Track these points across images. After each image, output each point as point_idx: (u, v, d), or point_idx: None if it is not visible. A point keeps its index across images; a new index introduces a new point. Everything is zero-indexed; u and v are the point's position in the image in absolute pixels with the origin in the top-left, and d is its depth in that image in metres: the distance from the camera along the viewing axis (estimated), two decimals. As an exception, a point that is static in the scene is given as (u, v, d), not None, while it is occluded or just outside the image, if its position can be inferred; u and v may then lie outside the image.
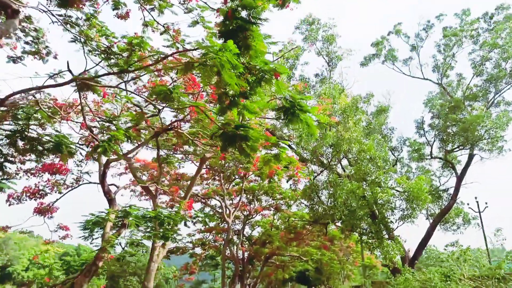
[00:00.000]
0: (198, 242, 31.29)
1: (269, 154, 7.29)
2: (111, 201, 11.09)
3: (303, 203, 33.14)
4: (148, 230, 9.73)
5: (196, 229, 33.17)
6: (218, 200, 27.42)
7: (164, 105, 7.83)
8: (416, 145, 23.34)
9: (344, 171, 19.18)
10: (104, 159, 11.39)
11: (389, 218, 16.81)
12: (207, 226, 33.41)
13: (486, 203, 30.41)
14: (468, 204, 25.55)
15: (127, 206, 9.58)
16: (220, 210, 29.16)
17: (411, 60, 25.44)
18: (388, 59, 25.08)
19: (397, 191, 16.37)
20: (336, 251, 35.42)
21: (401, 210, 16.24)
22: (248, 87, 6.61)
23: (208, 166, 28.26)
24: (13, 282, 72.94)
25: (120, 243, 9.58)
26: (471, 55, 23.20)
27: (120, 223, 9.82)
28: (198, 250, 32.89)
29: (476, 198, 32.22)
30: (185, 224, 11.70)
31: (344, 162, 21.25)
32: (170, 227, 9.95)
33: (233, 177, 31.23)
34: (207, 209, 34.14)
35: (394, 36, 25.96)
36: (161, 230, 9.69)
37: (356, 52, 23.25)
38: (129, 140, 9.72)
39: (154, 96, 8.15)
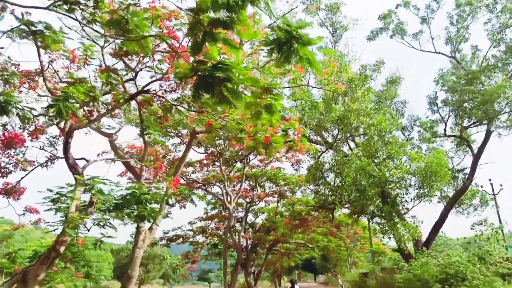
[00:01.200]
0: (199, 230, 29.73)
1: (259, 103, 5.60)
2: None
3: (308, 189, 31.51)
4: (121, 208, 8.06)
5: (198, 217, 31.68)
6: (219, 186, 25.75)
7: (122, 38, 6.09)
8: (427, 124, 21.40)
9: (351, 150, 17.30)
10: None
11: (403, 197, 15.01)
12: (208, 214, 31.93)
13: (501, 185, 28.38)
14: (481, 186, 23.64)
15: (89, 179, 7.90)
16: (222, 198, 27.50)
17: (421, 34, 23.38)
18: (396, 33, 23.02)
19: (412, 167, 14.45)
20: (343, 237, 33.72)
21: (416, 188, 14.36)
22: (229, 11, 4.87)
23: (207, 151, 26.61)
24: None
25: (85, 225, 7.94)
26: (487, 25, 21.12)
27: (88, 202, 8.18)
28: (200, 239, 31.37)
29: (490, 180, 30.20)
30: (167, 203, 10.01)
31: (351, 145, 19.45)
32: (148, 205, 8.27)
33: (234, 162, 29.57)
34: (208, 197, 32.61)
35: (403, 8, 23.89)
36: (136, 208, 8.02)
37: (362, 22, 21.14)
38: (96, 103, 8.02)
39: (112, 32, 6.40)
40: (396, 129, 16.23)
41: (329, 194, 16.81)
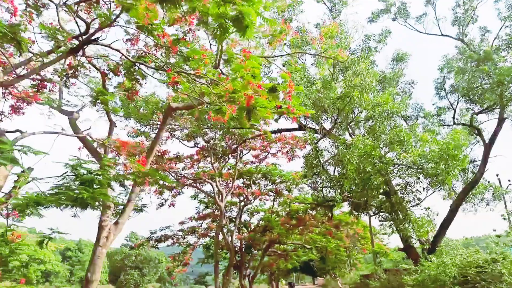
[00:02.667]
0: (189, 230, 27.53)
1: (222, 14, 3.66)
2: None
3: (305, 188, 29.42)
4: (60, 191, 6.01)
5: (189, 217, 29.52)
6: (209, 183, 23.63)
7: None
8: (430, 114, 19.36)
9: (352, 136, 15.11)
10: None
11: (413, 186, 12.85)
12: (200, 214, 29.79)
13: (509, 181, 26.25)
14: (488, 181, 21.58)
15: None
16: (214, 196, 25.32)
17: (425, 16, 21.38)
18: (399, 15, 21.07)
19: (426, 149, 12.29)
20: (343, 238, 31.57)
21: (429, 176, 12.21)
22: None
23: (197, 145, 24.52)
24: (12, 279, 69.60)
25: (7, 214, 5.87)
26: (497, 3, 19.20)
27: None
28: (192, 239, 29.20)
29: (497, 175, 28.26)
30: (122, 185, 7.96)
31: (355, 132, 17.32)
32: (95, 188, 6.20)
33: (226, 158, 27.48)
34: (201, 196, 30.46)
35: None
36: (78, 192, 5.94)
37: (363, 2, 19.04)
38: (21, 50, 5.97)
39: None
40: (404, 111, 14.20)
41: (329, 185, 14.72)
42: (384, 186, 12.56)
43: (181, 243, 26.82)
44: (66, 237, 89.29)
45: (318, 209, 25.00)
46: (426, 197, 12.75)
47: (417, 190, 12.32)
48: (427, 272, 11.44)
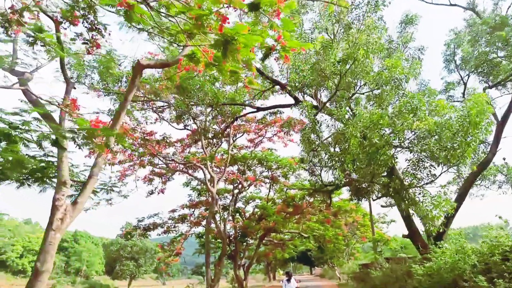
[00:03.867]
0: (180, 218, 25.79)
1: None
2: None
3: (302, 175, 27.71)
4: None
5: (181, 205, 27.81)
6: (200, 167, 21.87)
7: None
8: (435, 94, 17.51)
9: (354, 111, 13.20)
10: None
11: (427, 162, 10.97)
12: (193, 201, 28.08)
13: (519, 164, 24.55)
14: (494, 163, 19.82)
15: None
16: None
17: (432, -15, 19.51)
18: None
19: (445, 117, 10.41)
20: (341, 226, 30.00)
21: (444, 150, 10.33)
22: None
23: (187, 127, 22.69)
24: (8, 270, 68.17)
25: None
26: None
27: None
28: (183, 228, 27.49)
29: (504, 159, 26.50)
30: (56, 144, 6.22)
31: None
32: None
33: (219, 142, 25.71)
34: (194, 183, 28.72)
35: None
36: None
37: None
38: None
39: None
40: (415, 78, 12.34)
41: (329, 164, 12.93)
42: (393, 160, 10.76)
43: (172, 231, 25.10)
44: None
45: (316, 195, 23.31)
46: (441, 173, 10.95)
47: (431, 165, 10.53)
48: (442, 260, 9.77)
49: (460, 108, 10.16)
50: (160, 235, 26.66)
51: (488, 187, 16.51)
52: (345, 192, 32.25)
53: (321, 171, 18.31)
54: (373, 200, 17.80)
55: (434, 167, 10.52)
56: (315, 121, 11.87)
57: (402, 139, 10.00)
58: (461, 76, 16.62)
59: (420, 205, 9.94)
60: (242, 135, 24.73)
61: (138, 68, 8.64)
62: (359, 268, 28.23)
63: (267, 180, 29.33)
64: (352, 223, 30.86)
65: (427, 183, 10.00)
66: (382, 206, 21.38)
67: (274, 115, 23.30)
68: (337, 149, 12.29)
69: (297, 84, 12.35)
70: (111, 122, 8.77)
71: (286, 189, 28.52)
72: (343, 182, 18.82)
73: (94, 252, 77.64)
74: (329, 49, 11.09)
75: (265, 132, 25.87)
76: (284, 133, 23.48)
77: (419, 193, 10.44)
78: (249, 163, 27.33)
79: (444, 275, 10.05)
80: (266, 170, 28.79)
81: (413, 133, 9.97)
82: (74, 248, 77.46)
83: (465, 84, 16.56)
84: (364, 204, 30.56)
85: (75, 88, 8.91)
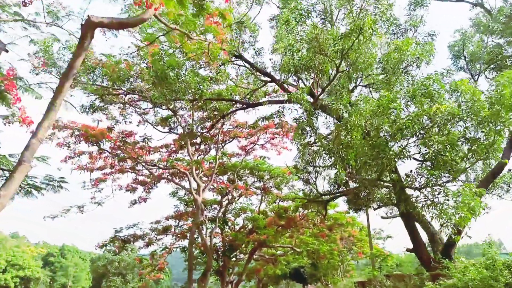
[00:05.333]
0: (162, 229, 23.43)
1: None
2: None
3: (295, 186, 25.68)
4: None
5: (166, 216, 25.51)
6: (184, 172, 19.77)
7: None
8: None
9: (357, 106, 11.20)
10: None
11: (447, 156, 8.80)
12: (179, 212, 25.77)
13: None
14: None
15: None
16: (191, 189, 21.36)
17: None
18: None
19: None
20: (336, 240, 27.74)
21: (467, 141, 8.37)
22: None
23: (172, 131, 20.67)
24: (-10, 285, 64.33)
25: None
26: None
27: None
28: (168, 241, 25.14)
29: (510, 170, 24.61)
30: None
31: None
32: None
33: (207, 147, 23.72)
34: (181, 193, 26.48)
35: None
36: None
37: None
38: None
39: None
40: (426, 63, 10.51)
41: (328, 161, 10.95)
42: (405, 150, 8.70)
43: (154, 243, 22.72)
44: (49, 242, 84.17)
45: (311, 206, 21.19)
46: (465, 168, 8.93)
47: (453, 160, 8.52)
48: (467, 276, 7.73)
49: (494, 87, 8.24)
50: (141, 248, 24.29)
51: (500, 197, 14.55)
52: (341, 204, 30.17)
53: (316, 178, 16.35)
54: (374, 209, 15.80)
55: (456, 162, 8.60)
56: (311, 111, 9.98)
57: (418, 127, 8.10)
58: (471, 74, 14.86)
59: (441, 207, 7.97)
60: (232, 140, 22.78)
61: (88, 26, 6.71)
62: (355, 286, 25.92)
63: (259, 192, 27.24)
64: (348, 238, 28.65)
65: (448, 181, 8.07)
66: (382, 217, 19.27)
67: (267, 120, 21.48)
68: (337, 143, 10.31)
69: (291, 68, 10.51)
70: (54, 94, 6.81)
71: (279, 201, 26.43)
72: (340, 190, 16.80)
73: (81, 267, 74.02)
74: (329, 22, 9.32)
75: (257, 138, 23.97)
76: (279, 134, 21.57)
77: (438, 193, 8.48)
78: (239, 172, 25.30)
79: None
80: (257, 180, 26.76)
81: (429, 120, 8.11)
82: (61, 262, 73.84)
83: (475, 80, 14.80)
84: (360, 218, 28.47)
85: (6, 51, 6.97)
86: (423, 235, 14.68)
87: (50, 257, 73.86)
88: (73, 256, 75.47)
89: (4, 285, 65.51)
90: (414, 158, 10.91)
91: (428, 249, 14.43)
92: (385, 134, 8.09)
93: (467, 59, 14.76)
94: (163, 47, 11.17)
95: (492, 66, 13.69)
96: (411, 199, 9.34)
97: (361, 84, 11.62)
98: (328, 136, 11.53)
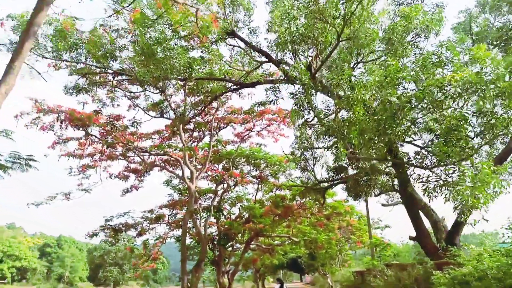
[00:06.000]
0: (155, 218, 22.57)
1: None
2: None
3: (293, 175, 24.86)
4: None
5: (160, 205, 24.67)
6: (176, 158, 18.86)
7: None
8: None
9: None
10: None
11: (461, 131, 7.78)
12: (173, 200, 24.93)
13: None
14: None
15: None
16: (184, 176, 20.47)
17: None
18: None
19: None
20: (334, 229, 27.03)
21: (483, 115, 7.41)
22: None
23: (164, 116, 19.74)
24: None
25: None
26: None
27: None
28: (162, 230, 24.32)
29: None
30: None
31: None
32: None
33: (201, 133, 22.81)
34: (175, 181, 25.59)
35: None
36: None
37: None
38: None
39: None
40: (435, 33, 9.60)
41: (328, 141, 10.07)
42: (412, 126, 7.78)
43: (146, 232, 21.89)
44: (46, 233, 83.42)
45: (308, 194, 20.35)
46: (480, 146, 8.05)
47: (467, 136, 7.61)
48: (485, 264, 6.91)
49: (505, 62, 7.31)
50: (135, 238, 23.45)
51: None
52: (339, 193, 29.39)
53: (314, 165, 15.50)
54: (375, 196, 14.98)
55: (471, 138, 7.72)
56: (309, 84, 9.05)
57: (429, 99, 7.19)
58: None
59: (455, 187, 7.11)
60: (227, 126, 21.86)
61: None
62: (353, 275, 25.29)
63: (255, 180, 26.41)
64: (347, 227, 27.94)
65: (462, 159, 7.18)
66: (383, 205, 18.48)
67: (263, 106, 20.57)
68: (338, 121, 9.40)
69: (287, 38, 9.52)
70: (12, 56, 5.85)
71: (276, 190, 25.65)
72: (339, 176, 15.97)
73: (78, 257, 73.45)
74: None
75: (254, 125, 23.05)
76: (275, 120, 20.65)
77: (453, 172, 7.63)
78: (235, 160, 24.41)
79: (492, 283, 7.09)
80: (254, 169, 25.91)
81: (441, 93, 7.20)
82: (58, 253, 73.26)
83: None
84: (359, 206, 27.72)
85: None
86: (426, 223, 13.93)
87: (47, 248, 73.18)
88: (70, 246, 74.85)
89: (0, 275, 64.89)
90: (415, 145, 10.01)
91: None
92: (395, 102, 7.17)
93: (474, 38, 13.83)
94: (145, 13, 10.19)
95: (502, 44, 12.74)
96: (420, 180, 8.47)
97: (363, 60, 10.67)
98: (328, 116, 10.62)
